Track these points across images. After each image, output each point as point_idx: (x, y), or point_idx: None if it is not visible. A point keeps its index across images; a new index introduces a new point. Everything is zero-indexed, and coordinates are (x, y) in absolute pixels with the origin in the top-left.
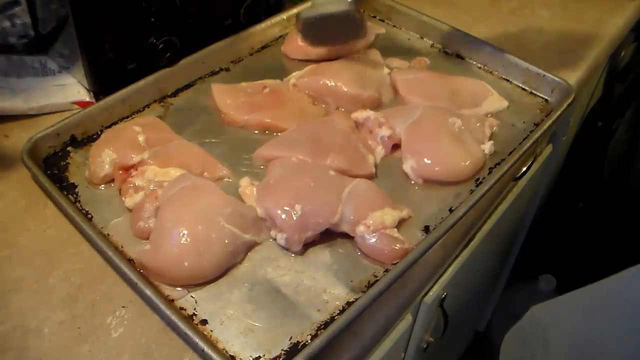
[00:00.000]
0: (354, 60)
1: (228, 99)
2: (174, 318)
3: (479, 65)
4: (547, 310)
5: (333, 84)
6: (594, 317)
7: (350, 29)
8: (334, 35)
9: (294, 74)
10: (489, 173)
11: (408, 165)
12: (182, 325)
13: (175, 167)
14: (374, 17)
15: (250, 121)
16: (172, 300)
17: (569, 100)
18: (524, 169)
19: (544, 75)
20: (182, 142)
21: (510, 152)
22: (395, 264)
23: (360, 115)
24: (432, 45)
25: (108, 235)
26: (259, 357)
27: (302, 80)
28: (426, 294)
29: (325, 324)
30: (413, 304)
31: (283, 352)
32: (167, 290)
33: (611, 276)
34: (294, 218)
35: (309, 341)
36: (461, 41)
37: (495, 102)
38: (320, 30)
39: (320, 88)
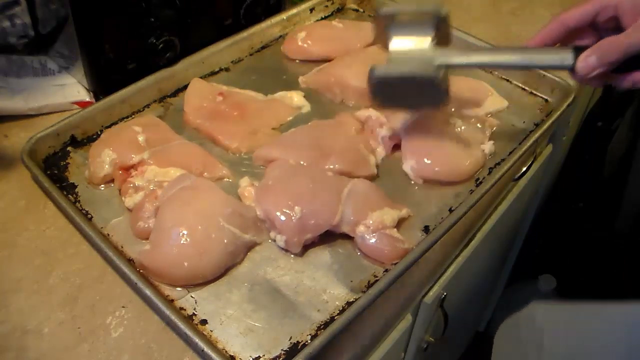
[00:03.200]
0: (365, 54)
1: (196, 98)
2: (174, 318)
3: None
4: (547, 314)
5: (340, 76)
6: (593, 336)
7: (430, 96)
8: (410, 98)
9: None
10: (489, 173)
11: (408, 166)
12: (182, 325)
13: (175, 167)
14: (374, 16)
15: (201, 127)
16: (172, 300)
17: (569, 100)
18: (524, 169)
19: (544, 75)
20: (182, 142)
21: (510, 152)
22: (395, 264)
23: (362, 114)
24: None
25: (108, 235)
26: (259, 357)
27: (310, 76)
28: (426, 294)
29: (325, 324)
30: (413, 304)
31: (283, 352)
32: (167, 290)
33: (620, 301)
34: (293, 220)
35: (309, 341)
36: (461, 41)
37: (495, 102)
38: (395, 90)
39: (328, 81)
